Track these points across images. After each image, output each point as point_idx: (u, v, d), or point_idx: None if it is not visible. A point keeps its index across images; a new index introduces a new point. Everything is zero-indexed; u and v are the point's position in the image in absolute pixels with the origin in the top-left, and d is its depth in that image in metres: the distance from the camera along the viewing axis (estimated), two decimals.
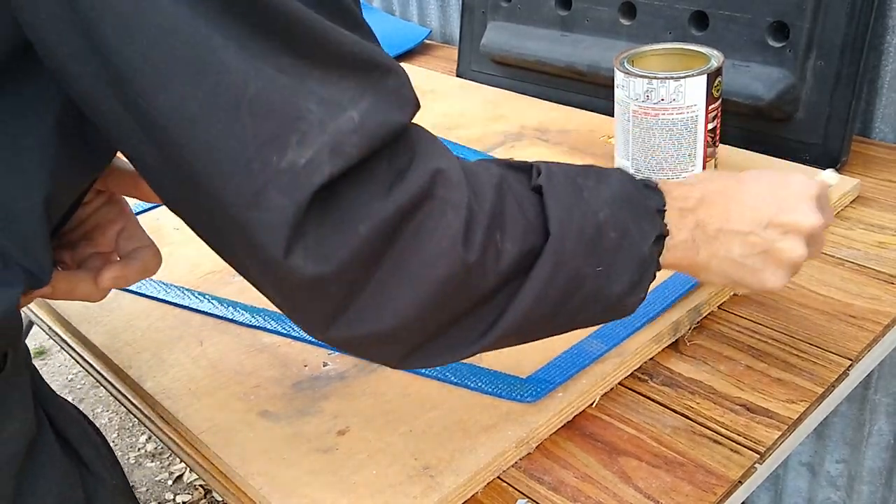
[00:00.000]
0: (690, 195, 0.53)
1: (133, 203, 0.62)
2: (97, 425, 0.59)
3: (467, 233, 0.43)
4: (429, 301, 0.43)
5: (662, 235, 0.52)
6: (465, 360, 0.64)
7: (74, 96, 0.41)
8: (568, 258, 0.47)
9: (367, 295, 0.42)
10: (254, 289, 0.44)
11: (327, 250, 0.40)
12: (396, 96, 0.42)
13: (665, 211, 0.52)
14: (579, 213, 0.47)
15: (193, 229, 0.44)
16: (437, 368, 0.63)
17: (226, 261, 0.44)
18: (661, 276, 0.70)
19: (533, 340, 0.51)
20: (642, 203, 0.51)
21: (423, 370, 0.64)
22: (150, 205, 0.86)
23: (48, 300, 0.77)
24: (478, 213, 0.43)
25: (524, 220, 0.46)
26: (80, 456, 0.53)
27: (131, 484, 0.60)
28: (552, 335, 0.51)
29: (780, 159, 0.87)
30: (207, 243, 0.44)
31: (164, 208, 0.58)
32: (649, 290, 0.52)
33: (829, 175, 0.67)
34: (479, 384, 0.62)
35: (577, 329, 0.52)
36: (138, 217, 0.60)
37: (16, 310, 0.45)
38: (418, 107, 0.44)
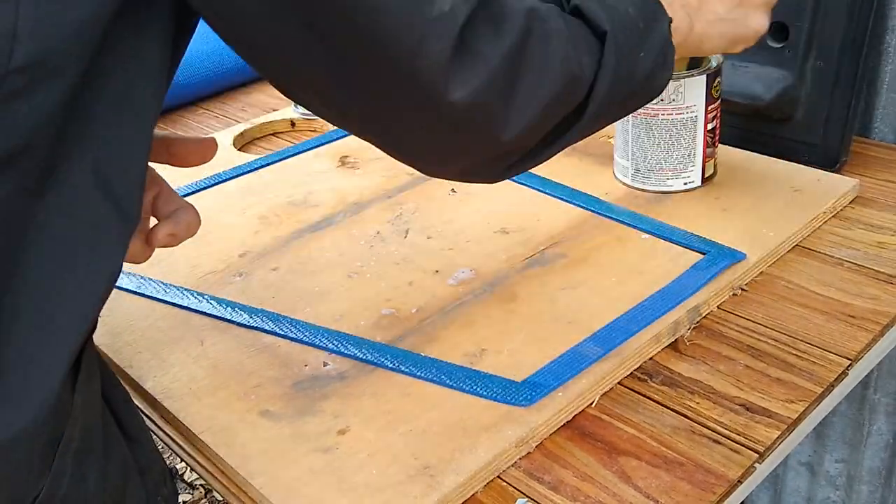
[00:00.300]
0: None
1: None
2: None
3: (566, 53, 0.51)
4: (548, 107, 0.52)
5: (671, 20, 0.59)
6: (459, 364, 0.64)
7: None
8: (623, 47, 0.54)
9: (506, 107, 0.50)
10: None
11: (472, 80, 0.47)
12: None
13: (664, 3, 0.59)
14: (616, 12, 0.55)
15: (349, 105, 0.50)
16: (432, 372, 0.64)
17: (375, 135, 0.52)
18: (661, 279, 0.71)
19: (604, 126, 0.60)
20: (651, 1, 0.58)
21: (418, 373, 0.64)
22: None
23: None
24: (566, 38, 0.52)
25: (588, 35, 0.54)
26: (122, 422, 0.54)
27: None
28: (617, 119, 0.62)
29: (779, 159, 0.88)
30: (365, 116, 0.50)
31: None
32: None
33: None
34: (475, 387, 0.62)
35: (631, 111, 0.61)
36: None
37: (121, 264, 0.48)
38: None
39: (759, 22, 0.65)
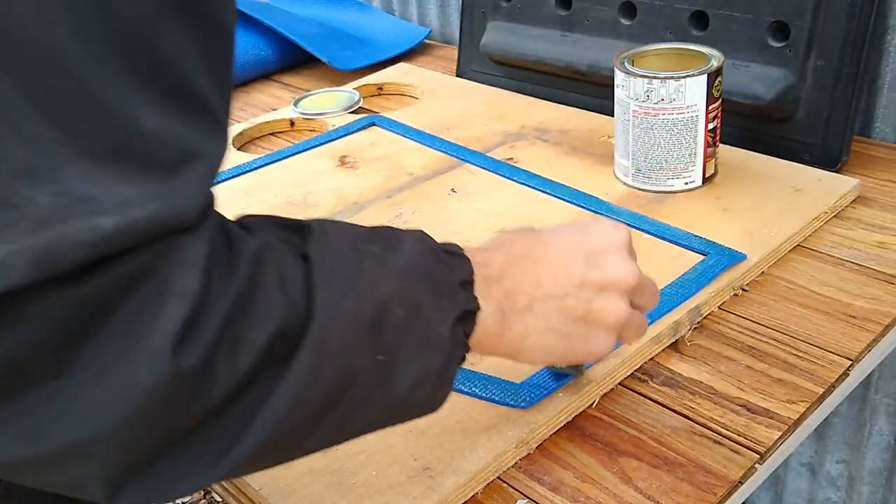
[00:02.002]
0: (493, 261, 0.46)
1: None
2: None
3: (188, 330, 0.33)
4: (129, 417, 0.32)
5: (471, 311, 0.43)
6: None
7: None
8: (336, 347, 0.37)
9: (43, 402, 0.31)
10: None
11: None
12: (186, 206, 0.33)
13: (472, 282, 0.44)
14: (356, 289, 0.38)
15: None
16: None
17: None
18: (661, 280, 0.71)
19: (297, 457, 0.40)
20: (442, 273, 0.42)
21: None
22: None
23: None
24: (214, 302, 0.34)
25: (283, 300, 0.36)
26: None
27: None
28: (323, 448, 0.41)
29: (780, 159, 0.87)
30: None
31: None
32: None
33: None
34: (472, 388, 0.61)
35: (357, 437, 0.42)
36: None
37: None
38: (204, 209, 0.34)
39: (601, 344, 0.50)
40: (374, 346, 0.39)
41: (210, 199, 0.35)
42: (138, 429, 0.33)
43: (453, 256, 0.44)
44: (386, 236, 0.43)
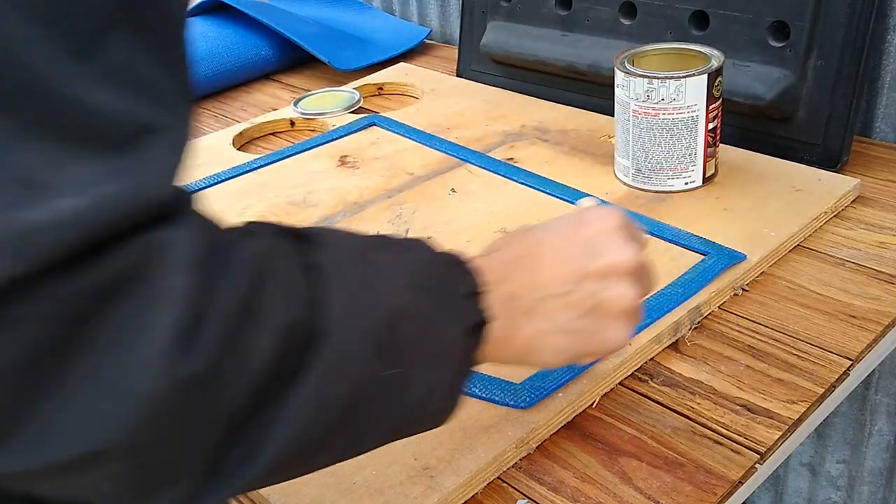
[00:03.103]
0: (492, 265, 0.45)
1: None
2: None
3: (191, 331, 0.31)
4: (141, 422, 0.31)
5: (480, 324, 0.42)
6: None
7: None
8: (350, 362, 0.36)
9: (41, 413, 0.30)
10: None
11: None
12: (155, 182, 0.32)
13: (479, 293, 0.42)
14: (367, 301, 0.37)
15: None
16: None
17: None
18: (662, 280, 0.71)
19: (309, 471, 0.40)
20: (449, 284, 0.42)
21: None
22: None
23: None
24: (212, 304, 0.32)
25: (290, 311, 0.35)
26: None
27: None
28: (333, 464, 0.41)
29: (780, 159, 0.87)
30: None
31: None
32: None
33: (587, 200, 0.62)
34: (472, 388, 0.61)
35: (364, 453, 0.41)
36: None
37: None
38: (178, 195, 0.33)
39: (617, 337, 0.48)
40: (385, 359, 0.38)
41: (184, 190, 0.34)
42: (151, 439, 0.32)
43: (458, 266, 0.43)
44: (393, 245, 0.42)
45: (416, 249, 0.43)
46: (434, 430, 0.49)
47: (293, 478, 0.39)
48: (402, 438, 0.43)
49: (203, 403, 0.32)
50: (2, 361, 0.29)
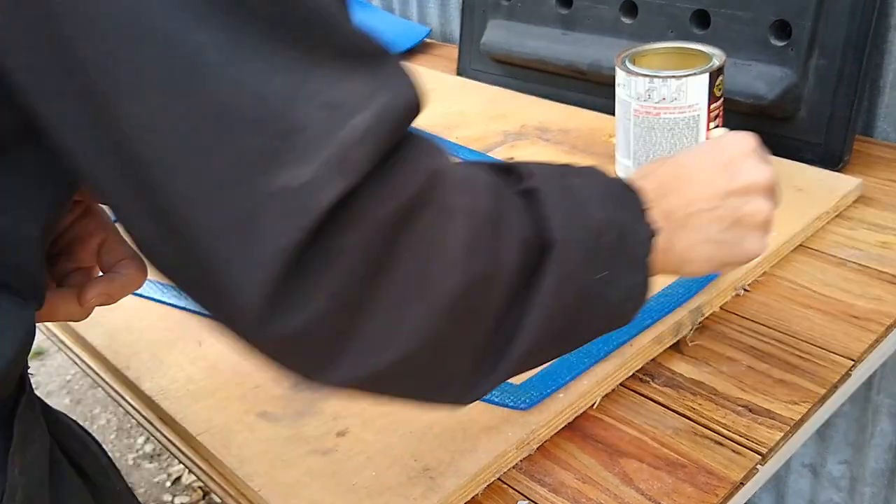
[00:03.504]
0: (649, 187, 0.50)
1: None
2: (95, 426, 0.58)
3: (476, 240, 0.38)
4: (444, 320, 0.37)
5: (653, 234, 0.48)
6: None
7: (38, 121, 0.35)
8: (574, 266, 0.42)
9: (366, 328, 0.35)
10: None
11: (312, 287, 0.33)
12: (406, 92, 0.36)
13: (648, 209, 0.48)
14: (578, 216, 0.43)
15: (174, 282, 0.38)
16: None
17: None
18: (663, 281, 0.70)
19: (543, 363, 0.46)
20: (630, 201, 0.48)
21: None
22: None
23: None
24: (483, 219, 0.38)
25: (525, 227, 0.41)
26: (83, 469, 0.52)
27: (129, 485, 0.60)
28: (560, 355, 0.47)
29: (782, 158, 0.87)
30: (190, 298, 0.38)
31: None
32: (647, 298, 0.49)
33: (718, 130, 0.68)
34: None
35: (581, 346, 0.47)
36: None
37: (31, 339, 0.43)
38: (424, 101, 0.38)
39: (756, 245, 0.53)
40: (598, 264, 0.44)
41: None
42: (450, 334, 0.38)
43: (629, 186, 0.49)
44: (576, 171, 0.47)
45: (595, 174, 0.48)
46: (435, 430, 0.53)
47: (533, 367, 0.45)
48: (600, 336, 0.48)
49: (486, 298, 0.39)
50: (332, 284, 0.34)
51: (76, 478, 0.51)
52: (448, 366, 0.40)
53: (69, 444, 0.52)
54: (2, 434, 0.43)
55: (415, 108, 0.36)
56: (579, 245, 0.43)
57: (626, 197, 0.48)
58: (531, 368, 0.45)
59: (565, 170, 0.47)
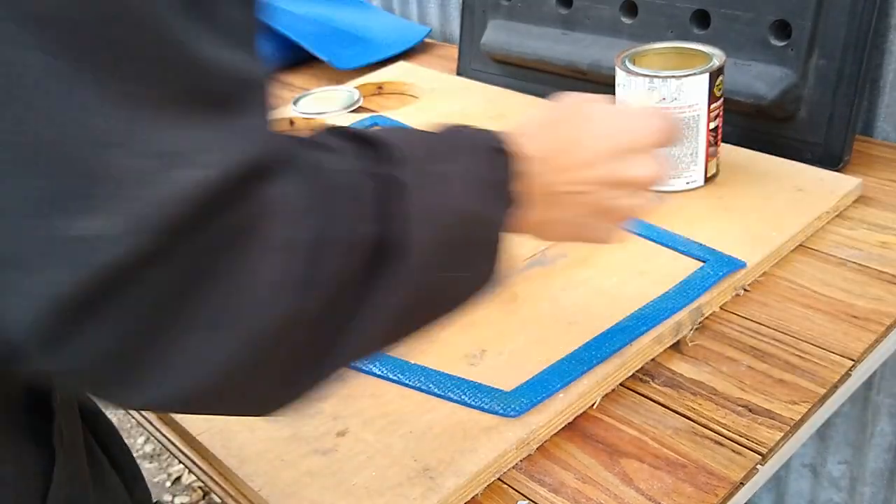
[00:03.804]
0: (536, 154, 0.49)
1: None
2: None
3: (288, 274, 0.34)
4: (250, 355, 0.34)
5: (516, 209, 0.47)
6: (448, 371, 0.63)
7: None
8: (421, 270, 0.40)
9: (154, 372, 0.33)
10: None
11: (88, 331, 0.31)
12: (252, 148, 0.33)
13: (517, 191, 0.46)
14: (437, 213, 0.41)
15: None
16: (419, 379, 0.63)
17: None
18: (663, 280, 0.70)
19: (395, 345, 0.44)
20: (499, 185, 0.46)
21: (406, 380, 0.63)
22: None
23: None
24: (303, 250, 0.34)
25: (367, 233, 0.37)
26: (112, 454, 0.54)
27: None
28: (412, 336, 0.45)
29: (782, 158, 0.87)
30: None
31: None
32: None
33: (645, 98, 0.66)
34: (462, 396, 0.61)
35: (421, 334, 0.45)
36: None
37: None
38: (278, 154, 0.35)
39: (610, 236, 0.54)
40: (449, 265, 0.42)
41: (275, 135, 0.36)
42: (270, 357, 0.35)
43: (503, 156, 0.47)
44: (447, 143, 0.45)
45: (472, 149, 0.46)
46: (435, 430, 0.53)
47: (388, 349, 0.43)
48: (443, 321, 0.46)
49: (294, 336, 0.35)
50: (130, 321, 0.31)
51: (108, 464, 0.52)
52: (259, 390, 0.37)
53: (98, 429, 0.53)
54: (39, 415, 0.44)
55: (261, 165, 0.33)
56: (432, 245, 0.40)
57: (496, 180, 0.46)
58: (385, 350, 0.44)
59: (439, 147, 0.45)
